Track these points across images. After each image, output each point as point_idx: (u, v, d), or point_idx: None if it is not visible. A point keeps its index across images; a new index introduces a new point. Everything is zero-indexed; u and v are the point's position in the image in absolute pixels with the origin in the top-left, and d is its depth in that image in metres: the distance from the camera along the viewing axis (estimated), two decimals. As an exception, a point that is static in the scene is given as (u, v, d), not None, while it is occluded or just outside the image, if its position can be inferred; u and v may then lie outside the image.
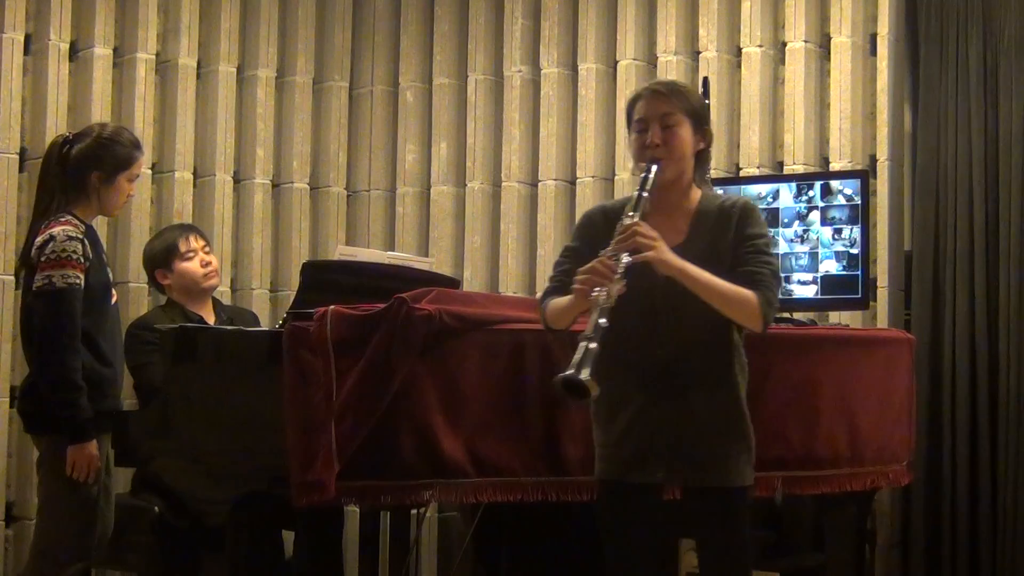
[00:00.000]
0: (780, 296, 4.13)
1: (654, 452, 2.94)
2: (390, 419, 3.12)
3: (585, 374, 2.68)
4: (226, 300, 4.78)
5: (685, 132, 2.99)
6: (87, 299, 3.58)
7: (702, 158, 3.07)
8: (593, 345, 2.71)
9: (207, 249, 4.39)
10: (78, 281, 3.55)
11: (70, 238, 3.55)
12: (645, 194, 2.90)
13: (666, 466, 2.94)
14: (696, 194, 3.06)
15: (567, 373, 2.70)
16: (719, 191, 3.21)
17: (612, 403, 2.96)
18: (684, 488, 3.00)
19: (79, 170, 3.69)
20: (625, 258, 2.80)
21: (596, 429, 3.04)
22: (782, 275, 3.06)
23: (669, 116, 2.97)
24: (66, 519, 3.63)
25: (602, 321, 2.73)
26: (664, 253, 2.84)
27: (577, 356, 2.71)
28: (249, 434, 3.29)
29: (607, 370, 2.80)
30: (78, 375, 3.52)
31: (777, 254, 2.99)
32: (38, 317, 3.55)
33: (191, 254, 4.30)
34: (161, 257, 4.31)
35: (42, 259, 3.55)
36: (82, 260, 3.57)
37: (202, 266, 4.32)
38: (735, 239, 2.96)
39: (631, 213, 2.87)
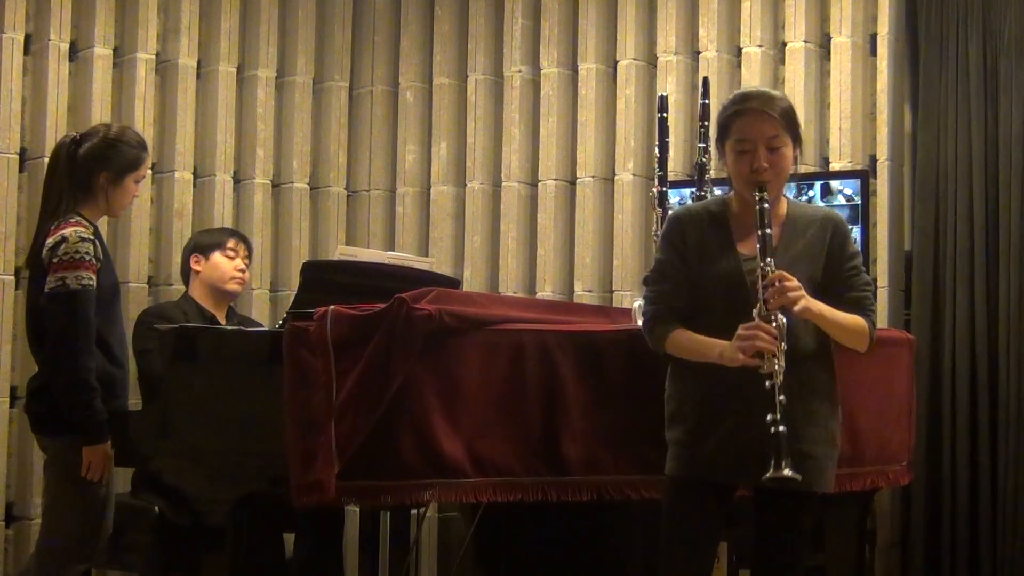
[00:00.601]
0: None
1: (750, 454, 2.92)
2: (390, 419, 3.12)
3: (789, 470, 2.77)
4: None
5: (789, 152, 3.03)
6: (98, 300, 3.58)
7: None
8: (783, 429, 2.78)
9: (247, 260, 4.53)
10: (91, 282, 3.55)
11: (82, 239, 3.55)
12: (769, 231, 2.93)
13: (749, 467, 2.93)
14: (784, 201, 3.10)
15: (774, 475, 2.77)
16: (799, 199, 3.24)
17: (704, 405, 2.99)
18: (757, 488, 3.00)
19: (87, 170, 3.69)
20: (781, 318, 2.86)
21: (675, 428, 3.05)
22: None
23: (775, 139, 2.99)
24: (74, 520, 3.63)
25: (782, 399, 2.81)
26: (810, 301, 2.90)
27: (772, 448, 2.78)
28: (249, 434, 3.29)
29: (698, 372, 2.90)
30: (93, 376, 3.53)
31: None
32: (52, 319, 3.54)
33: (232, 253, 4.45)
34: (205, 245, 4.47)
35: (54, 260, 3.54)
36: (94, 261, 3.56)
37: (236, 269, 4.45)
38: (833, 257, 3.03)
39: (766, 260, 2.90)
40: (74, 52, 4.77)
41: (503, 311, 3.38)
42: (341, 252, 4.13)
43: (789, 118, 3.04)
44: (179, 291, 4.84)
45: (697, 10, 4.82)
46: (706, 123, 4.06)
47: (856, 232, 4.08)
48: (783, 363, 2.82)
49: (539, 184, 5.06)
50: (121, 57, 4.87)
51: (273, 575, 3.77)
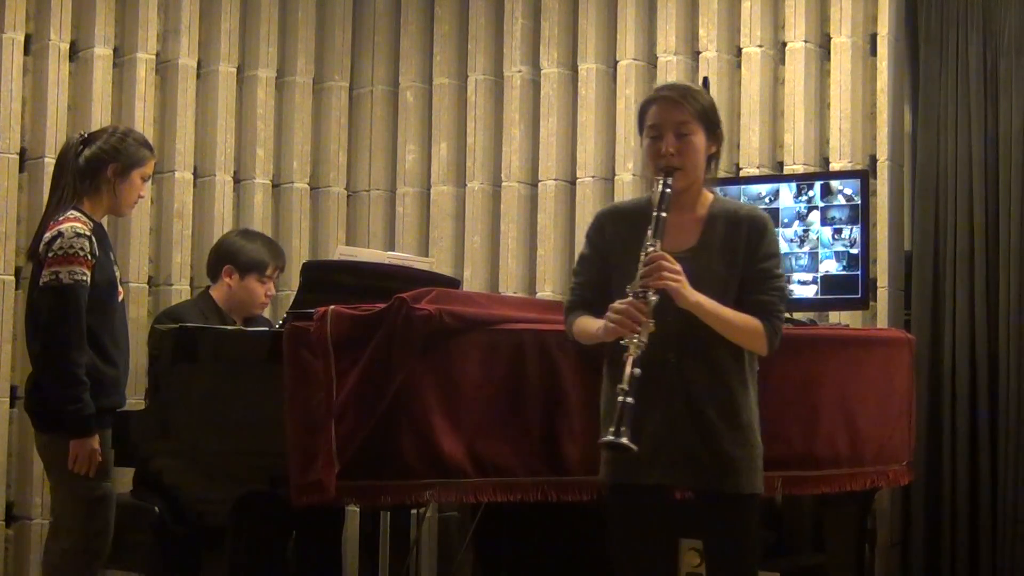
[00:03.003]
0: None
1: (662, 454, 2.93)
2: (390, 419, 3.12)
3: (626, 438, 2.74)
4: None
5: (699, 140, 3.00)
6: (93, 297, 3.59)
7: (712, 161, 3.08)
8: (630, 400, 2.75)
9: (278, 278, 4.51)
10: (84, 278, 3.56)
11: (78, 235, 3.57)
12: (664, 215, 2.92)
13: (673, 469, 2.94)
14: (707, 198, 3.07)
15: (609, 438, 2.75)
16: (725, 195, 3.21)
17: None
18: (694, 492, 2.99)
19: (95, 163, 3.71)
20: (652, 296, 2.83)
21: (604, 431, 3.02)
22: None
23: (684, 124, 2.98)
24: (78, 518, 3.65)
25: (637, 371, 2.77)
26: (686, 288, 2.87)
27: (616, 414, 2.76)
28: (249, 434, 3.29)
29: (619, 374, 2.84)
30: (82, 371, 3.54)
31: (785, 273, 3.04)
32: (43, 312, 3.56)
33: (266, 280, 4.39)
34: (244, 264, 4.37)
35: (49, 255, 3.56)
36: (89, 257, 3.58)
37: (265, 296, 4.42)
38: (747, 257, 2.98)
39: (653, 240, 2.88)
40: (74, 52, 4.78)
41: (503, 311, 3.38)
42: (341, 252, 4.13)
43: (703, 110, 3.02)
44: (179, 291, 4.85)
45: (697, 10, 4.82)
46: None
47: (856, 232, 4.07)
48: (645, 339, 2.80)
49: (539, 184, 5.06)
50: (121, 57, 4.87)
51: (273, 575, 3.77)
